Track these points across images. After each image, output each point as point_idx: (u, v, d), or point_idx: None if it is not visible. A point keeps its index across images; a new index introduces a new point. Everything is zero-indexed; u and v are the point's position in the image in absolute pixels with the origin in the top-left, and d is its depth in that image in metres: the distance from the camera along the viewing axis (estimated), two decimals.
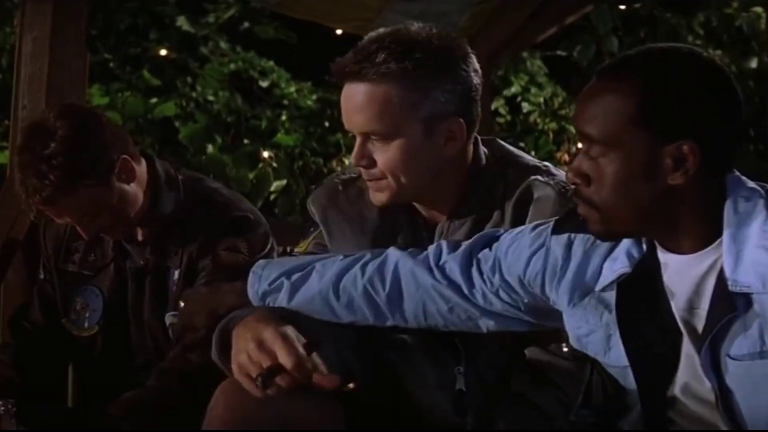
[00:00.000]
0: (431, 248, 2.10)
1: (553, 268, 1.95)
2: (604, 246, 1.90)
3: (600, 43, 7.18)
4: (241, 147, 7.03)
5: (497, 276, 2.02)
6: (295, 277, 2.13)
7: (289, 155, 6.95)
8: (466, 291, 2.04)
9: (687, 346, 1.81)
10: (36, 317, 2.78)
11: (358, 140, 2.17)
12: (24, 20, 3.19)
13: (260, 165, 6.56)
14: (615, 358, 1.90)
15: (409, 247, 2.17)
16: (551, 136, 7.69)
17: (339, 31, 4.86)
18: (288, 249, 3.32)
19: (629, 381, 1.90)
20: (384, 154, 2.15)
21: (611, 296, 1.88)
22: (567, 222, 1.95)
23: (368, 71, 2.11)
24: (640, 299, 1.84)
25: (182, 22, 7.35)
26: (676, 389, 1.84)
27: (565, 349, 2.13)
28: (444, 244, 2.09)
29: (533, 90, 7.81)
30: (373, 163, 2.17)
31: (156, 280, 2.67)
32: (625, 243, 1.87)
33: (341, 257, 2.15)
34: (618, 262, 1.87)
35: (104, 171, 2.56)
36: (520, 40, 5.01)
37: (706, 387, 1.79)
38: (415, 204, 2.26)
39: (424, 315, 2.08)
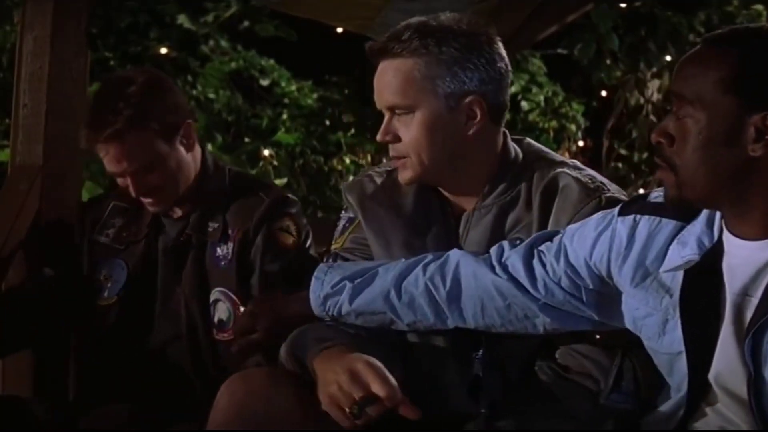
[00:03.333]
0: (493, 248, 2.15)
1: (618, 249, 1.98)
2: (670, 228, 1.93)
3: (600, 41, 7.17)
4: (241, 146, 7.03)
5: (562, 262, 2.05)
6: (357, 280, 2.17)
7: (289, 154, 6.96)
8: (527, 285, 2.08)
9: (728, 333, 1.83)
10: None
11: (386, 117, 2.26)
12: (24, 19, 3.19)
13: (261, 163, 6.58)
14: (668, 343, 1.92)
15: (440, 235, 2.26)
16: (552, 134, 7.70)
17: (340, 30, 4.86)
18: None
19: (678, 368, 1.91)
20: (407, 129, 2.23)
21: (673, 280, 1.91)
22: (633, 204, 2.00)
23: (394, 47, 2.22)
24: (703, 286, 1.87)
25: (183, 20, 7.35)
26: (710, 377, 1.86)
27: (597, 337, 2.15)
28: (505, 243, 2.15)
29: (533, 89, 7.82)
30: (397, 139, 2.25)
31: (196, 256, 2.70)
32: (696, 229, 1.90)
33: (403, 260, 2.19)
34: (687, 248, 1.89)
35: (171, 127, 2.65)
36: (520, 38, 5.00)
37: (739, 376, 1.81)
38: (444, 193, 2.31)
39: (482, 313, 2.12)
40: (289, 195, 2.77)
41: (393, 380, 2.00)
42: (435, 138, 2.22)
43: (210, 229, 2.69)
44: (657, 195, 1.97)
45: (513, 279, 2.09)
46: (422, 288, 2.14)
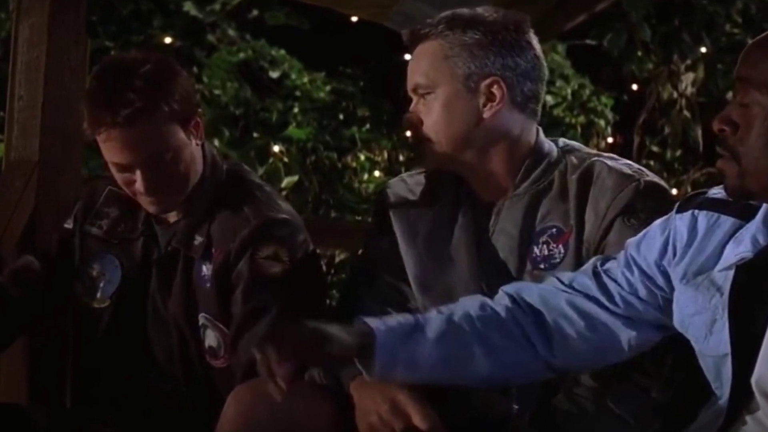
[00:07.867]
0: (549, 279, 2.16)
1: (680, 245, 2.01)
2: (728, 225, 1.96)
3: (632, 31, 7.16)
4: (250, 141, 7.04)
5: (636, 271, 2.07)
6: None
7: (301, 150, 6.97)
8: (603, 300, 2.09)
9: None
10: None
11: (413, 100, 2.37)
12: (20, 6, 3.20)
13: (271, 160, 6.58)
14: (714, 344, 1.93)
15: (468, 226, 2.34)
16: (579, 130, 7.68)
17: (354, 18, 4.86)
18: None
19: (724, 372, 1.92)
20: (429, 112, 2.33)
21: (725, 279, 1.92)
22: (691, 200, 2.04)
23: (424, 31, 2.36)
24: (754, 285, 1.88)
25: (188, 7, 7.37)
26: (753, 381, 1.86)
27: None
28: (560, 273, 2.16)
29: (558, 83, 7.80)
30: (420, 122, 2.35)
31: (185, 270, 2.62)
32: (752, 227, 1.92)
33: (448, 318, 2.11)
34: (742, 246, 1.91)
35: (184, 113, 2.54)
36: (547, 28, 4.99)
37: None
38: (474, 186, 2.37)
39: (563, 341, 2.09)
40: (282, 215, 2.63)
41: (434, 413, 2.09)
42: (453, 117, 2.31)
43: (195, 243, 2.60)
44: (716, 191, 2.00)
45: (588, 296, 2.11)
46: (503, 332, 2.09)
